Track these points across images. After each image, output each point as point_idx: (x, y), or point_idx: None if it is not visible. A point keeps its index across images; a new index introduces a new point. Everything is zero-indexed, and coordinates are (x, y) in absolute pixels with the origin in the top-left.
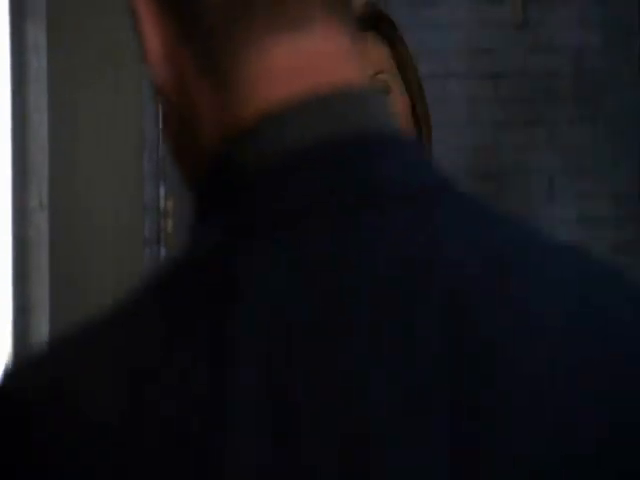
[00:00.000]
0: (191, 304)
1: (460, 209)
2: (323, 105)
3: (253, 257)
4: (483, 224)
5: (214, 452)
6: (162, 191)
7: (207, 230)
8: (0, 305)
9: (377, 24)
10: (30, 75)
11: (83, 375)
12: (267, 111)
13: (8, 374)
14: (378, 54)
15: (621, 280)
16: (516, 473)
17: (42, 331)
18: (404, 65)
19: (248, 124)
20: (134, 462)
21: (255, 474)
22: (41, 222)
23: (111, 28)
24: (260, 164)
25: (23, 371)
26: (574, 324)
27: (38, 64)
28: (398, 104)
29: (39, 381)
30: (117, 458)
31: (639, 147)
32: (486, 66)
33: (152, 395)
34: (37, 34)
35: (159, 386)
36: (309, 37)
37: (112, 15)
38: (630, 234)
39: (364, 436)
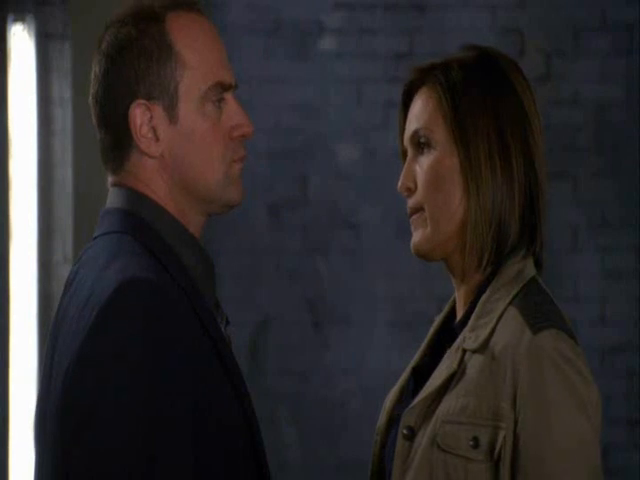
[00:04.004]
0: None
1: (102, 244)
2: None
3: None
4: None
5: None
6: None
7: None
8: (27, 358)
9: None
10: (56, 128)
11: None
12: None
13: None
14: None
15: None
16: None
17: None
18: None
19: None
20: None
21: None
22: (65, 276)
23: None
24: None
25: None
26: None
27: (63, 117)
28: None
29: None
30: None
31: None
32: None
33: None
34: (62, 88)
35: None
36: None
37: None
38: None
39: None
